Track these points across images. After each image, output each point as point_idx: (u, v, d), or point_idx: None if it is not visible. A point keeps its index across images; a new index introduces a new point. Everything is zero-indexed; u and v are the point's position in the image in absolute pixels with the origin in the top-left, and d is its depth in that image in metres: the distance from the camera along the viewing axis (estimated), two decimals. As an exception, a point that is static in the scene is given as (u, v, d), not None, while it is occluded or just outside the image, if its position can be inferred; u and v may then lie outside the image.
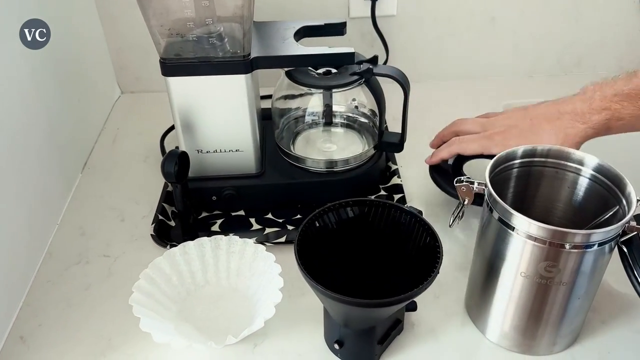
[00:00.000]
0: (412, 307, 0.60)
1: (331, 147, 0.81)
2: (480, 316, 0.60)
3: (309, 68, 0.73)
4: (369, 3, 0.95)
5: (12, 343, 0.60)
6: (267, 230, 0.74)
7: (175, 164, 0.65)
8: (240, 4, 0.63)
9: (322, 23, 0.76)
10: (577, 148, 0.62)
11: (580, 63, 1.07)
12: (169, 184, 0.76)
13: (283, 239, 0.72)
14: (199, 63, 0.66)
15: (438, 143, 0.76)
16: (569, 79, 1.07)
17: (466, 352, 0.59)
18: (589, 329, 0.61)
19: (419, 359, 0.58)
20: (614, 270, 0.57)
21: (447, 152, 0.71)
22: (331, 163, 0.77)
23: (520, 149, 0.57)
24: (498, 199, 0.51)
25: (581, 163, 0.56)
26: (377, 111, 0.77)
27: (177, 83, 0.67)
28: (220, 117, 0.70)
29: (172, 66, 0.66)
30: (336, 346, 0.56)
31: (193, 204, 0.73)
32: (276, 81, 0.79)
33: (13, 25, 0.67)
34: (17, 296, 0.65)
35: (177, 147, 0.72)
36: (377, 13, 0.96)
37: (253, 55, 0.67)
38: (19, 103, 0.68)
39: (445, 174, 0.74)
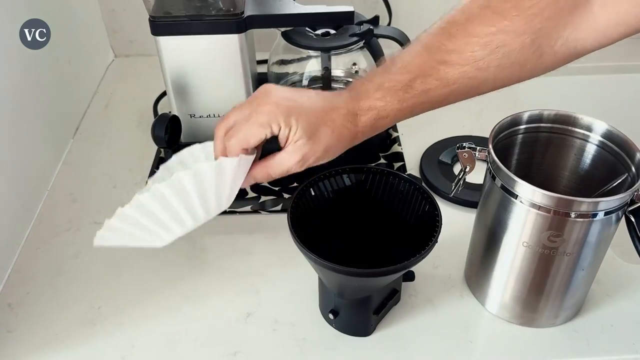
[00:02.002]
0: (410, 277, 0.59)
1: (330, 113, 0.78)
2: (480, 287, 0.59)
3: (307, 29, 0.70)
4: (371, -37, 0.91)
5: (0, 310, 0.59)
6: (263, 198, 0.72)
7: (167, 128, 0.63)
8: (233, -41, 0.60)
9: (320, -20, 0.72)
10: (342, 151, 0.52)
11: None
12: (162, 150, 0.74)
13: (279, 207, 0.70)
14: (190, 22, 0.63)
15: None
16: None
17: (465, 324, 0.58)
18: (592, 301, 0.59)
19: (417, 330, 0.57)
20: (619, 242, 0.55)
21: (236, 147, 0.50)
22: (329, 130, 0.74)
23: (525, 114, 0.54)
24: (501, 165, 0.49)
25: (589, 129, 0.53)
26: (377, 76, 0.74)
27: (168, 43, 0.64)
28: (213, 80, 0.67)
29: (162, 25, 0.63)
30: (331, 316, 0.54)
31: (186, 171, 0.71)
32: (273, 46, 0.76)
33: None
34: (6, 263, 0.63)
35: (170, 112, 0.70)
36: (379, -27, 0.92)
37: (247, 13, 0.64)
38: (7, 66, 0.65)
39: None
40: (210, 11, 0.63)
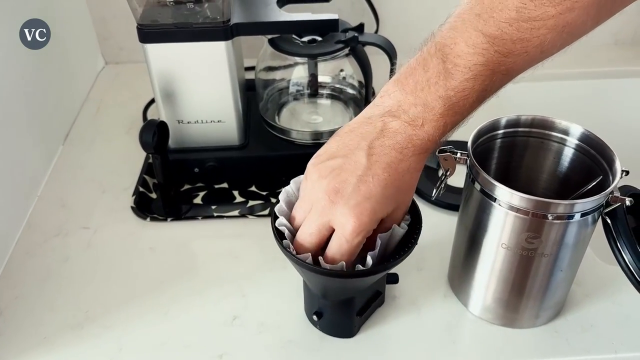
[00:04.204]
0: (394, 279, 0.60)
1: (317, 119, 0.80)
2: (462, 289, 0.59)
3: (293, 36, 0.71)
4: (358, -29, 0.92)
5: (-11, 314, 0.60)
6: (251, 202, 0.73)
7: (154, 133, 0.64)
8: (219, -32, 0.61)
9: (306, -11, 0.74)
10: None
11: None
12: (150, 156, 0.75)
13: (267, 212, 0.71)
14: (177, 29, 0.64)
15: None
16: (562, 53, 1.04)
17: (448, 325, 0.59)
18: (572, 302, 0.60)
19: (400, 331, 0.58)
20: (599, 244, 0.56)
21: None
22: (317, 135, 0.75)
23: (503, 119, 0.56)
24: (480, 169, 0.50)
25: (566, 132, 0.55)
26: (364, 82, 0.75)
27: (155, 50, 0.65)
28: (200, 86, 0.68)
29: (150, 33, 0.64)
30: (315, 317, 0.55)
31: (175, 176, 0.72)
32: (260, 52, 0.77)
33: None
34: (-5, 268, 0.64)
35: (158, 118, 0.71)
36: (366, -19, 0.93)
37: (233, 21, 0.65)
38: (4, 69, 0.66)
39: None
40: (197, 19, 0.65)
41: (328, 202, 0.45)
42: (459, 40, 0.43)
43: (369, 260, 0.47)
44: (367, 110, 0.48)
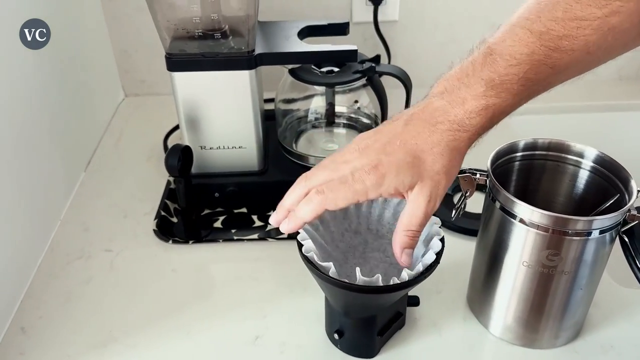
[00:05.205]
0: (415, 302, 0.60)
1: (333, 147, 0.82)
2: (482, 309, 0.60)
3: (312, 66, 0.74)
4: (372, 8, 0.96)
5: (13, 334, 0.60)
6: (269, 227, 0.74)
7: (179, 158, 0.66)
8: (246, 1, 0.64)
9: (325, 23, 0.77)
10: (462, 161, 0.50)
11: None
12: (172, 182, 0.77)
13: (285, 235, 0.72)
14: (203, 58, 0.67)
15: (284, 215, 0.52)
16: (569, 87, 1.07)
17: (469, 347, 0.59)
18: (592, 323, 0.60)
19: (421, 353, 0.58)
20: (617, 267, 0.57)
21: (310, 212, 0.48)
22: (333, 162, 0.77)
23: (521, 142, 0.58)
24: (500, 187, 0.52)
25: (581, 155, 0.57)
26: (379, 112, 0.78)
27: (182, 78, 0.68)
28: (223, 113, 0.71)
29: (177, 61, 0.67)
30: (336, 336, 0.56)
31: (195, 201, 0.73)
32: (280, 83, 0.80)
33: (13, 25, 0.67)
34: (19, 289, 0.65)
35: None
36: (379, 18, 0.97)
37: (257, 51, 0.68)
38: (23, 104, 0.68)
39: None
40: (222, 49, 0.68)
41: (354, 153, 0.48)
42: (506, 38, 0.47)
43: (404, 275, 0.48)
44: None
